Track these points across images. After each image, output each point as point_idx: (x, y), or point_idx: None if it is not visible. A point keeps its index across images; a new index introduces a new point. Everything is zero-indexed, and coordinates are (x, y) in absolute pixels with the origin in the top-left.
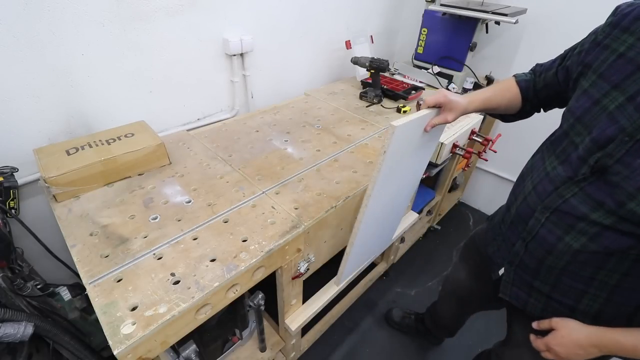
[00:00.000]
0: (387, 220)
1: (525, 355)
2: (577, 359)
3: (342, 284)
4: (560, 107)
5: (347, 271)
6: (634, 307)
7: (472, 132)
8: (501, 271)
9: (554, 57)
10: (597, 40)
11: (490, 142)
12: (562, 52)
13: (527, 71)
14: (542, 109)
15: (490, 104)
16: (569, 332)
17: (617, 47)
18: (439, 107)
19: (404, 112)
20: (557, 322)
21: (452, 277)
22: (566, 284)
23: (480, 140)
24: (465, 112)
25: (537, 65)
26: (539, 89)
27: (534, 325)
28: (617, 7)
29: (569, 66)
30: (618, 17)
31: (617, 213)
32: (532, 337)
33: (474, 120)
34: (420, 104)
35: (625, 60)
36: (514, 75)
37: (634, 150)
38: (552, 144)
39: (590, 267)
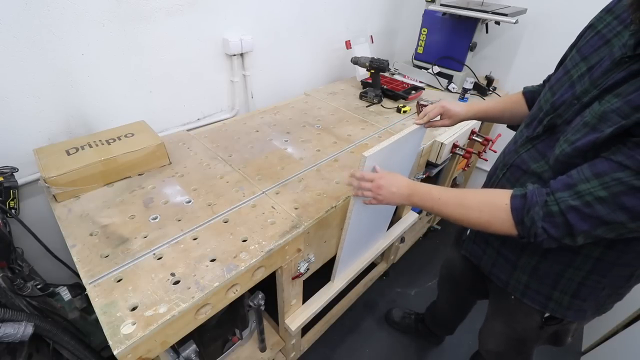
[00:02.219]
0: (373, 226)
1: (495, 326)
2: (391, 198)
3: (337, 284)
4: None
5: (340, 271)
6: (563, 265)
7: (472, 132)
8: (468, 232)
9: (554, 56)
10: (589, 24)
11: (490, 142)
12: (562, 52)
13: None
14: None
15: (490, 114)
16: (390, 177)
17: (597, 25)
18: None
19: (404, 112)
20: (380, 172)
21: (446, 259)
22: (511, 239)
23: (480, 141)
24: (463, 120)
25: (549, 75)
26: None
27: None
28: None
29: (565, 54)
30: (608, 5)
31: (549, 162)
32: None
33: (474, 120)
34: (421, 104)
35: (599, 36)
36: (524, 88)
37: (577, 111)
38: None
39: None
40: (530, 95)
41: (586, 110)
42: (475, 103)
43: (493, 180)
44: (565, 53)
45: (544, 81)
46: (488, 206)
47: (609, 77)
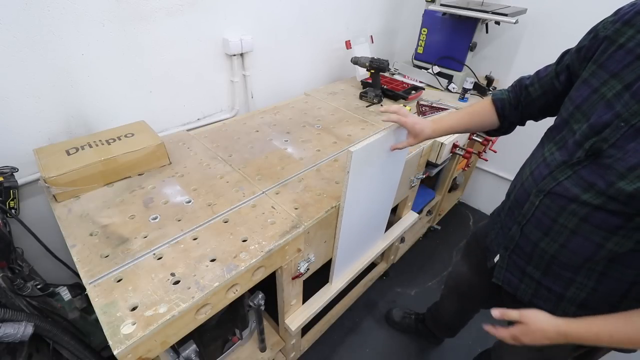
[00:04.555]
0: (368, 227)
1: (520, 348)
2: (540, 344)
3: (335, 285)
4: (553, 115)
5: (337, 271)
6: (618, 296)
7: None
8: (497, 258)
9: (554, 56)
10: (598, 37)
11: (490, 142)
12: (561, 51)
13: (507, 88)
14: (524, 123)
15: (458, 128)
16: (538, 326)
17: (617, 38)
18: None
19: None
20: (526, 316)
21: (454, 272)
22: (556, 271)
23: (480, 140)
24: (430, 138)
25: (521, 78)
26: (535, 97)
27: (496, 314)
28: (619, 10)
29: (570, 65)
30: (620, 15)
31: (607, 193)
32: (489, 327)
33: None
34: (421, 104)
35: (625, 50)
36: (491, 94)
37: (629, 135)
38: (551, 131)
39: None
40: (501, 103)
41: None
42: (440, 119)
43: (527, 208)
44: (562, 57)
45: (513, 86)
46: None
47: None
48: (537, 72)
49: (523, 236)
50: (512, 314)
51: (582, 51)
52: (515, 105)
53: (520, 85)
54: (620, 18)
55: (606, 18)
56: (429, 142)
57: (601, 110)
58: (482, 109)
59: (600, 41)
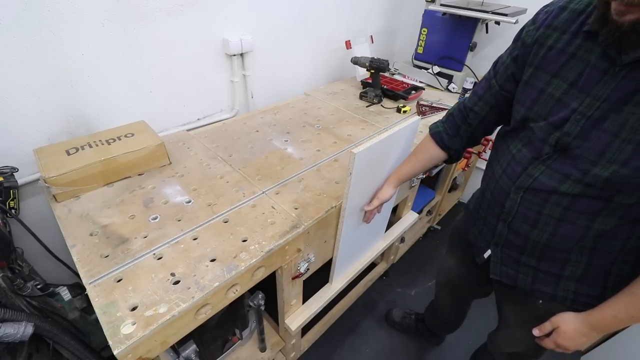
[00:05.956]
0: (368, 227)
1: (517, 333)
2: (584, 345)
3: (336, 285)
4: (508, 123)
5: (337, 271)
6: (609, 264)
7: None
8: (487, 254)
9: None
10: (526, 43)
11: (490, 142)
12: None
13: (441, 119)
14: (479, 141)
15: (409, 174)
16: (568, 325)
17: (544, 41)
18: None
19: (404, 112)
20: (555, 321)
21: (443, 268)
22: (550, 255)
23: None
24: (395, 188)
25: (459, 104)
26: (484, 116)
27: (536, 332)
28: (536, 16)
29: (514, 72)
30: (540, 22)
31: (584, 181)
32: (538, 340)
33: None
34: (421, 104)
35: (557, 51)
36: (429, 129)
37: (587, 126)
38: (512, 131)
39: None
40: (439, 136)
41: (604, 124)
42: (395, 173)
43: (510, 205)
44: (495, 72)
45: (447, 115)
46: None
47: (608, 87)
48: (474, 92)
49: (511, 232)
50: (546, 326)
51: (518, 59)
52: (454, 134)
53: (463, 109)
54: (542, 23)
55: (526, 26)
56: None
57: (556, 108)
58: (425, 147)
59: (530, 47)
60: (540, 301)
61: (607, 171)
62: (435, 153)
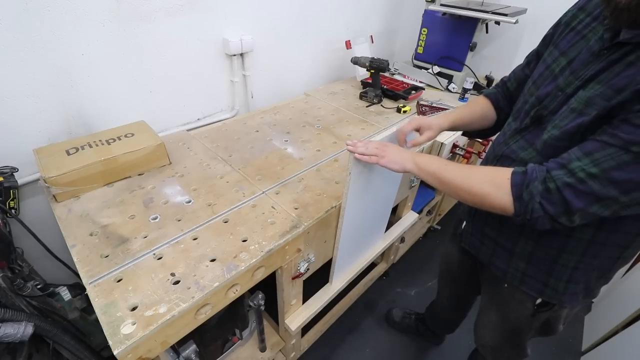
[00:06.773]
0: (368, 227)
1: (491, 315)
2: (396, 156)
3: (336, 285)
4: None
5: (337, 271)
6: (555, 249)
7: None
8: (464, 225)
9: None
10: (560, 23)
11: (490, 142)
12: None
13: (494, 86)
14: None
15: (463, 120)
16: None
17: (571, 22)
18: (417, 130)
19: (404, 112)
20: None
21: (445, 253)
22: (507, 228)
23: (481, 141)
24: (442, 130)
25: (502, 78)
26: (513, 90)
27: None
28: None
29: (538, 50)
30: (576, 3)
31: (537, 149)
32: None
33: (452, 130)
34: (421, 104)
35: (575, 32)
36: (482, 92)
37: (562, 101)
38: (515, 106)
39: None
40: (494, 96)
41: (572, 99)
42: (449, 114)
43: None
44: (538, 49)
45: (502, 80)
46: (489, 177)
47: (589, 68)
48: (514, 69)
49: None
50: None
51: (547, 38)
52: (505, 97)
53: (501, 82)
54: (576, 5)
55: (570, 7)
56: (429, 142)
57: (548, 82)
58: (479, 101)
59: (560, 27)
60: (506, 285)
61: (547, 135)
62: (488, 111)
